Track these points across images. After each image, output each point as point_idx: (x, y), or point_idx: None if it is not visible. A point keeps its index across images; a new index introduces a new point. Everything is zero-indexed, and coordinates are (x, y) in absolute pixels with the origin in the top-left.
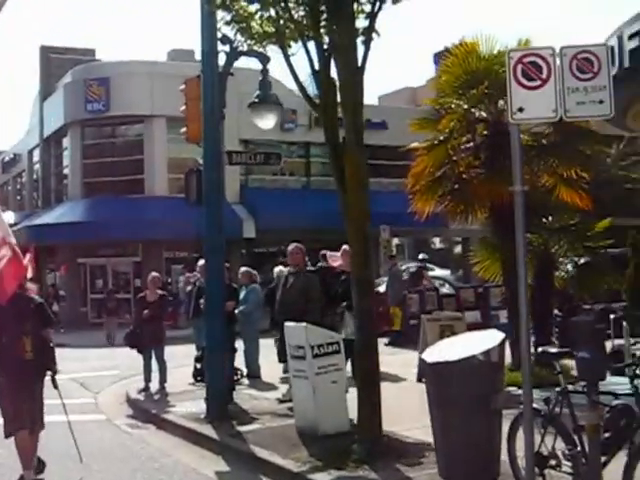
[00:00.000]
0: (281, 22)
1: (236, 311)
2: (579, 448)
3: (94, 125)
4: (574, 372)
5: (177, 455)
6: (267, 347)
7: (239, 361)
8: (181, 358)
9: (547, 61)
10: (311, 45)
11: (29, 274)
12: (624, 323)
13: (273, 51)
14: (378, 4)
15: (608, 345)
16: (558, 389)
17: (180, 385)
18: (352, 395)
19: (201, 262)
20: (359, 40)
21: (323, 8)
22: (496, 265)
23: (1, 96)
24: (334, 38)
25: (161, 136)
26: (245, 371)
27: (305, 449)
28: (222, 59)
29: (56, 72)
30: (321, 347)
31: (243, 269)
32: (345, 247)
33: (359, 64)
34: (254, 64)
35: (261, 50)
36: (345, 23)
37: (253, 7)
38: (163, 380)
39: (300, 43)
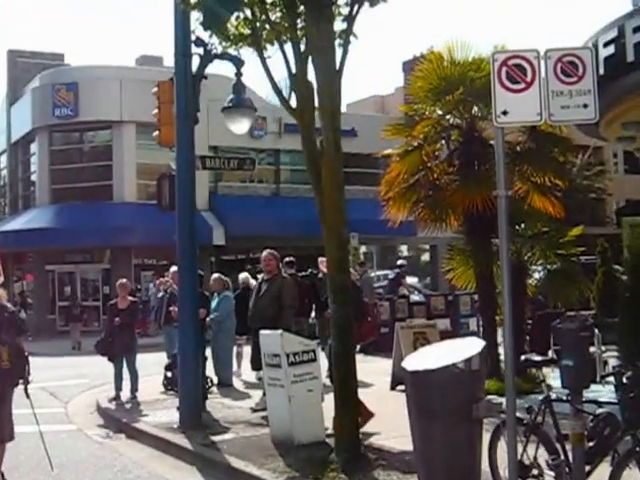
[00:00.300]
0: (257, 24)
1: (208, 319)
2: (562, 457)
3: (62, 130)
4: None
5: (151, 466)
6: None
7: (208, 369)
8: (152, 366)
9: (532, 64)
10: (288, 48)
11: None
12: (596, 331)
13: (247, 55)
14: (356, 7)
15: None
16: (541, 397)
17: (151, 394)
18: (326, 404)
19: (173, 268)
20: (336, 43)
21: (301, 10)
22: (469, 273)
23: None
24: (313, 40)
25: (130, 142)
26: (215, 379)
27: (281, 459)
28: (195, 62)
29: (23, 76)
30: (297, 355)
31: (215, 276)
32: None
33: (337, 67)
34: (224, 69)
35: (235, 53)
36: (324, 25)
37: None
38: (134, 389)
39: (276, 46)
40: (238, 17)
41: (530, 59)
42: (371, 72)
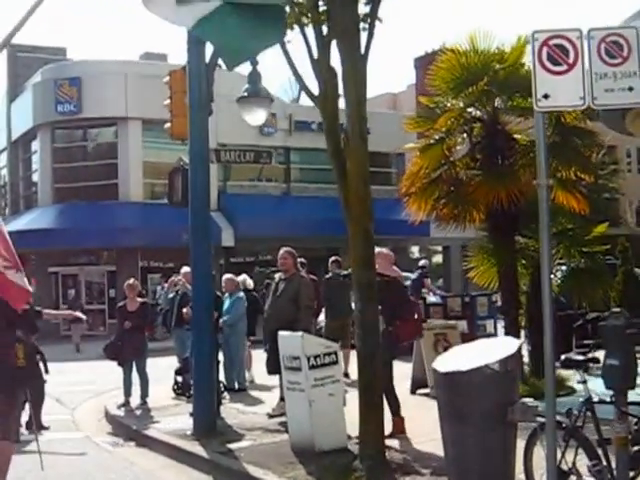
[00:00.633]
0: None
1: (220, 321)
2: (605, 463)
3: (65, 127)
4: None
5: (165, 475)
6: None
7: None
8: (161, 371)
9: (574, 44)
10: (309, 32)
11: None
12: None
13: None
14: None
15: (601, 354)
16: (582, 399)
17: (162, 399)
18: (347, 408)
19: (185, 269)
20: (361, 27)
21: None
22: (491, 271)
23: None
24: (337, 21)
25: (136, 139)
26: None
27: (302, 467)
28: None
29: (24, 72)
30: (318, 357)
31: (227, 276)
32: (379, 249)
33: (363, 51)
34: None
35: None
36: (349, 4)
37: None
38: (145, 394)
39: (296, 30)
40: None
41: (572, 39)
42: (382, 70)
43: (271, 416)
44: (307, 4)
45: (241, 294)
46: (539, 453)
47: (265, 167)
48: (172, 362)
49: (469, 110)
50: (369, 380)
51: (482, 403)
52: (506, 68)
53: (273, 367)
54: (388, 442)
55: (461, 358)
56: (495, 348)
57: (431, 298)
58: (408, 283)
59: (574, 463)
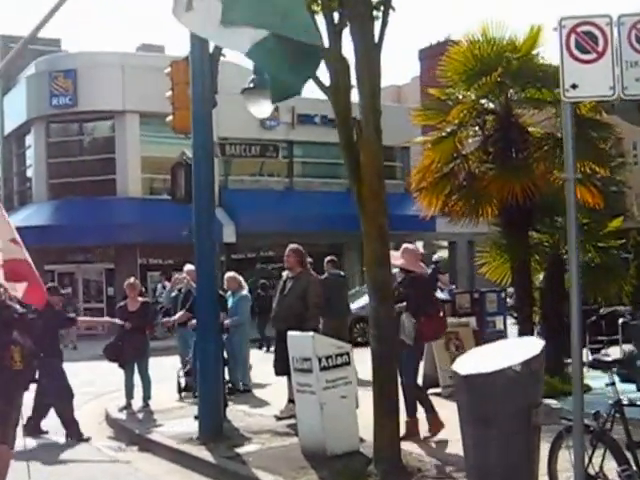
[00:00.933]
0: None
1: (226, 322)
2: (635, 467)
3: (60, 121)
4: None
5: None
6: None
7: None
8: (164, 371)
9: (604, 31)
10: (319, 19)
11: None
12: None
13: None
14: None
15: (617, 351)
16: (611, 402)
17: (165, 402)
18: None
19: (188, 266)
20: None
21: None
22: (504, 267)
23: None
24: (349, 6)
25: (134, 133)
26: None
27: (313, 471)
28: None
29: (17, 64)
30: (329, 359)
31: (230, 274)
32: (406, 245)
33: (376, 40)
34: (233, 56)
35: None
36: None
37: None
38: (147, 397)
39: None
40: None
41: (602, 26)
42: (386, 62)
43: (279, 418)
44: None
45: (245, 292)
46: (564, 456)
47: (267, 161)
48: (175, 362)
49: (482, 102)
50: (384, 381)
51: (506, 406)
52: (519, 58)
53: (281, 368)
54: (403, 445)
55: (481, 360)
56: (517, 349)
57: (440, 294)
58: None
59: (601, 467)
